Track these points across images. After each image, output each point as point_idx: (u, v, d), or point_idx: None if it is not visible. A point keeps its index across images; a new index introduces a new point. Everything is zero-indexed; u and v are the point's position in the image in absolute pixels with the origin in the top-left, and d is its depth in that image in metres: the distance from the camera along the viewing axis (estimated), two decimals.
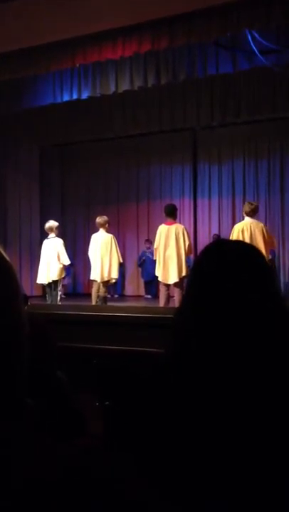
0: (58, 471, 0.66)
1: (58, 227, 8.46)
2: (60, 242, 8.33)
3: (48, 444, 0.70)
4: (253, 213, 7.19)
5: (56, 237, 8.37)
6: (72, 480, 0.66)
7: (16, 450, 0.67)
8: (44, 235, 9.17)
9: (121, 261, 8.33)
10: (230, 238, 7.09)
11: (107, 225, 8.14)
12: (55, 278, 8.23)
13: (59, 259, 8.23)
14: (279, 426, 0.93)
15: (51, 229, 8.36)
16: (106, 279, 7.99)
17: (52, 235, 8.37)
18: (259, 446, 0.92)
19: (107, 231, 8.17)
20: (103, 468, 0.68)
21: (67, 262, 8.33)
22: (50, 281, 8.27)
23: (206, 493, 0.91)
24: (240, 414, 0.93)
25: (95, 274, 8.06)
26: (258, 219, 7.43)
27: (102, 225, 8.11)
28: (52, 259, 8.24)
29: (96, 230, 8.25)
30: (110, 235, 8.12)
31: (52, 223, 8.43)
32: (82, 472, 0.67)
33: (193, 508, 0.91)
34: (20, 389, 0.73)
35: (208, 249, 1.08)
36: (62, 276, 8.43)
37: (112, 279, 8.10)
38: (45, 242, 8.46)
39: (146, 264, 11.30)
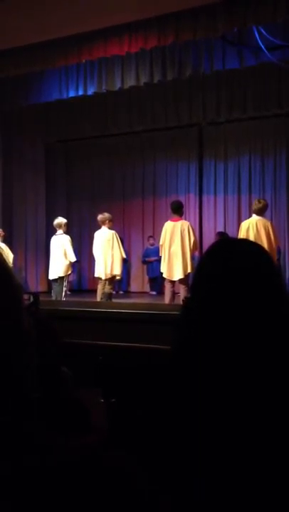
0: (62, 462, 0.66)
1: (66, 224, 8.49)
2: (67, 238, 8.36)
3: (53, 438, 0.70)
4: (259, 211, 7.16)
5: (64, 234, 8.39)
6: (74, 473, 0.66)
7: (23, 443, 0.67)
8: (50, 230, 9.17)
9: (124, 257, 8.31)
10: (238, 236, 7.09)
11: (108, 222, 8.12)
12: (61, 274, 8.26)
13: (65, 256, 8.25)
14: (281, 421, 0.93)
15: (59, 225, 8.39)
16: (109, 275, 7.98)
17: (60, 231, 8.40)
18: (262, 442, 0.91)
19: (110, 228, 8.16)
20: (105, 463, 0.68)
21: (73, 258, 8.36)
22: (57, 277, 8.30)
23: (207, 489, 0.91)
24: (243, 411, 0.92)
25: (99, 271, 8.06)
26: (264, 216, 7.41)
27: (103, 222, 8.11)
28: (59, 256, 8.27)
29: (100, 227, 8.26)
30: (112, 232, 8.11)
31: (60, 220, 8.45)
32: (84, 466, 0.67)
33: (193, 502, 0.91)
34: (26, 384, 0.73)
35: (213, 249, 1.07)
36: (69, 272, 8.45)
37: (115, 275, 8.08)
38: (53, 239, 8.50)
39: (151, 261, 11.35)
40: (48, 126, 11.25)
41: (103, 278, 8.02)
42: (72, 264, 8.54)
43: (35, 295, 2.10)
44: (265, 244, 6.40)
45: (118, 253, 8.01)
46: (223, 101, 9.70)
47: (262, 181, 11.44)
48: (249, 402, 0.92)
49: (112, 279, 8.14)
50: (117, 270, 8.03)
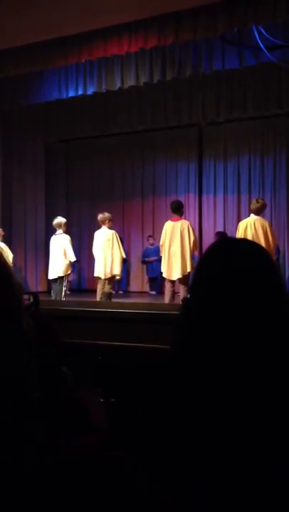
0: (62, 462, 0.66)
1: (65, 224, 8.51)
2: (67, 238, 8.36)
3: (53, 438, 0.70)
4: (257, 211, 7.17)
5: (64, 234, 8.40)
6: (74, 473, 0.66)
7: (23, 443, 0.67)
8: (50, 230, 9.16)
9: (124, 257, 8.31)
10: (236, 236, 7.09)
11: (108, 222, 8.13)
12: (61, 274, 8.26)
13: (65, 256, 8.25)
14: (281, 420, 0.93)
15: (59, 225, 8.39)
16: (108, 275, 7.98)
17: (60, 231, 8.40)
18: (262, 442, 0.91)
19: (110, 227, 8.17)
20: (105, 463, 0.68)
21: (73, 258, 8.37)
22: (56, 276, 8.30)
23: (207, 489, 0.91)
24: (243, 411, 0.92)
25: (99, 271, 8.07)
26: (263, 216, 7.41)
27: (103, 222, 8.12)
28: (58, 255, 8.27)
29: (100, 227, 8.27)
30: (112, 231, 8.12)
31: (60, 219, 8.46)
32: (84, 466, 0.67)
33: (193, 502, 0.91)
34: (26, 384, 0.73)
35: (212, 249, 1.07)
36: (68, 272, 8.45)
37: (115, 275, 8.08)
38: (53, 238, 8.49)
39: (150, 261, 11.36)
40: (48, 126, 11.24)
41: (103, 277, 8.02)
42: (71, 264, 8.55)
43: (35, 295, 2.10)
44: (263, 244, 6.41)
45: (118, 253, 8.02)
46: (223, 101, 9.70)
47: (261, 181, 11.44)
48: (249, 401, 0.92)
49: (111, 279, 8.14)
50: (117, 270, 8.03)
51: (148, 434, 1.02)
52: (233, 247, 1.07)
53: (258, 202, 7.39)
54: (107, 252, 7.98)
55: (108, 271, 7.97)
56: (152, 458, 0.94)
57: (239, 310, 0.97)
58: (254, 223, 7.02)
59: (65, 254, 8.26)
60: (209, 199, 11.83)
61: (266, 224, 7.14)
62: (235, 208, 11.66)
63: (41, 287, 11.16)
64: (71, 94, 8.71)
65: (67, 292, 8.91)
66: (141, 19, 7.15)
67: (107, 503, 0.65)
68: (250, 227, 6.99)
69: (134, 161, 12.34)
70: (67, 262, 8.30)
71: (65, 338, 1.91)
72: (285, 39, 7.15)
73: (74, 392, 1.70)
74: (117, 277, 8.32)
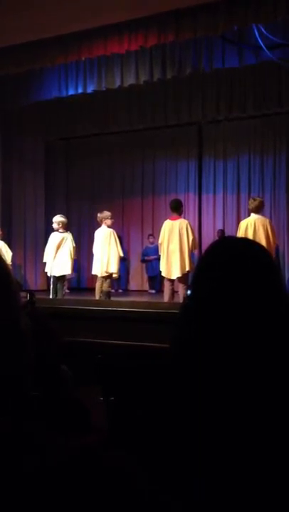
0: (62, 462, 0.66)
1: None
2: (71, 236, 8.37)
3: (53, 438, 0.70)
4: (256, 210, 7.15)
5: (67, 232, 8.39)
6: (74, 473, 0.66)
7: (22, 442, 0.67)
8: (49, 229, 9.14)
9: (121, 255, 8.31)
10: (237, 235, 7.09)
11: (106, 220, 8.14)
12: (69, 271, 8.26)
13: (72, 254, 8.24)
14: (281, 420, 0.93)
15: (64, 223, 8.40)
16: (105, 273, 7.99)
17: (62, 229, 8.38)
18: (263, 442, 0.91)
19: (110, 225, 8.18)
20: (105, 463, 0.68)
21: (75, 256, 8.42)
22: (64, 274, 8.27)
23: (206, 489, 0.91)
24: (243, 411, 0.92)
25: (96, 269, 8.09)
26: (263, 215, 7.40)
27: (102, 221, 8.15)
28: (66, 253, 8.23)
29: (100, 226, 8.28)
30: (110, 230, 8.14)
31: (63, 218, 8.47)
32: (84, 466, 0.67)
33: (193, 502, 0.91)
34: (26, 384, 0.73)
35: (212, 248, 1.07)
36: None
37: (111, 273, 8.08)
38: (56, 236, 8.37)
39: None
40: (48, 124, 11.24)
41: (99, 275, 8.05)
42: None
43: (31, 293, 2.10)
44: (263, 243, 6.40)
45: (115, 251, 8.02)
46: (223, 99, 9.70)
47: (261, 180, 11.44)
48: (249, 401, 0.92)
49: (108, 277, 8.14)
50: (113, 268, 8.03)
51: (148, 434, 1.02)
52: (233, 247, 1.07)
53: (255, 200, 7.37)
54: (104, 250, 7.99)
55: (104, 268, 7.98)
56: (152, 458, 0.94)
57: (239, 310, 0.97)
58: (254, 223, 7.01)
59: (71, 252, 8.24)
60: (209, 198, 11.83)
61: (267, 223, 7.12)
62: (235, 207, 11.66)
63: (40, 286, 11.16)
64: (71, 92, 8.71)
65: (67, 291, 8.91)
66: (141, 17, 7.15)
67: (107, 503, 0.65)
68: (250, 227, 6.98)
69: (134, 159, 12.34)
70: (72, 260, 8.31)
71: (64, 336, 1.91)
72: (285, 38, 7.15)
73: (74, 392, 1.70)
74: (114, 275, 8.30)
